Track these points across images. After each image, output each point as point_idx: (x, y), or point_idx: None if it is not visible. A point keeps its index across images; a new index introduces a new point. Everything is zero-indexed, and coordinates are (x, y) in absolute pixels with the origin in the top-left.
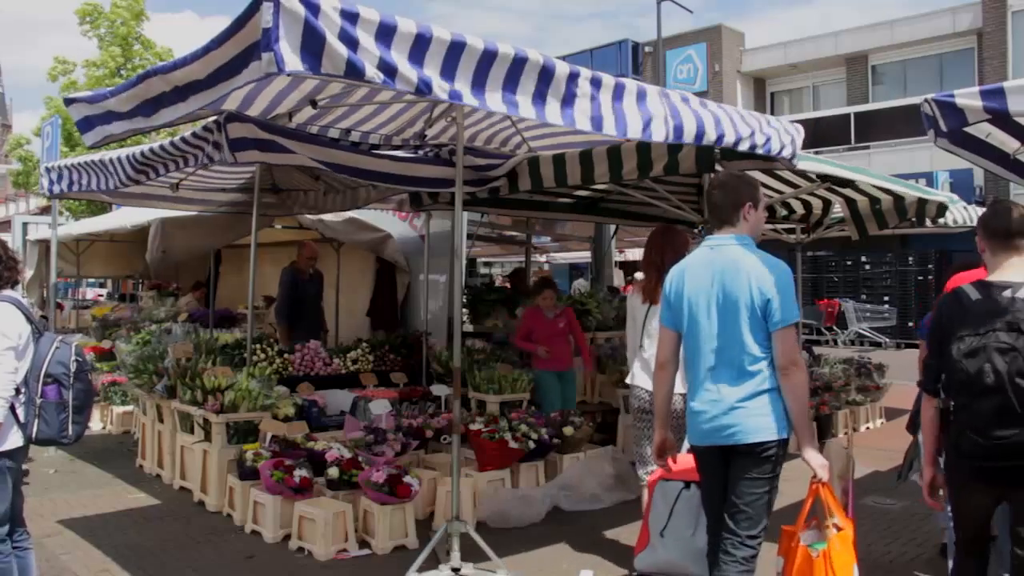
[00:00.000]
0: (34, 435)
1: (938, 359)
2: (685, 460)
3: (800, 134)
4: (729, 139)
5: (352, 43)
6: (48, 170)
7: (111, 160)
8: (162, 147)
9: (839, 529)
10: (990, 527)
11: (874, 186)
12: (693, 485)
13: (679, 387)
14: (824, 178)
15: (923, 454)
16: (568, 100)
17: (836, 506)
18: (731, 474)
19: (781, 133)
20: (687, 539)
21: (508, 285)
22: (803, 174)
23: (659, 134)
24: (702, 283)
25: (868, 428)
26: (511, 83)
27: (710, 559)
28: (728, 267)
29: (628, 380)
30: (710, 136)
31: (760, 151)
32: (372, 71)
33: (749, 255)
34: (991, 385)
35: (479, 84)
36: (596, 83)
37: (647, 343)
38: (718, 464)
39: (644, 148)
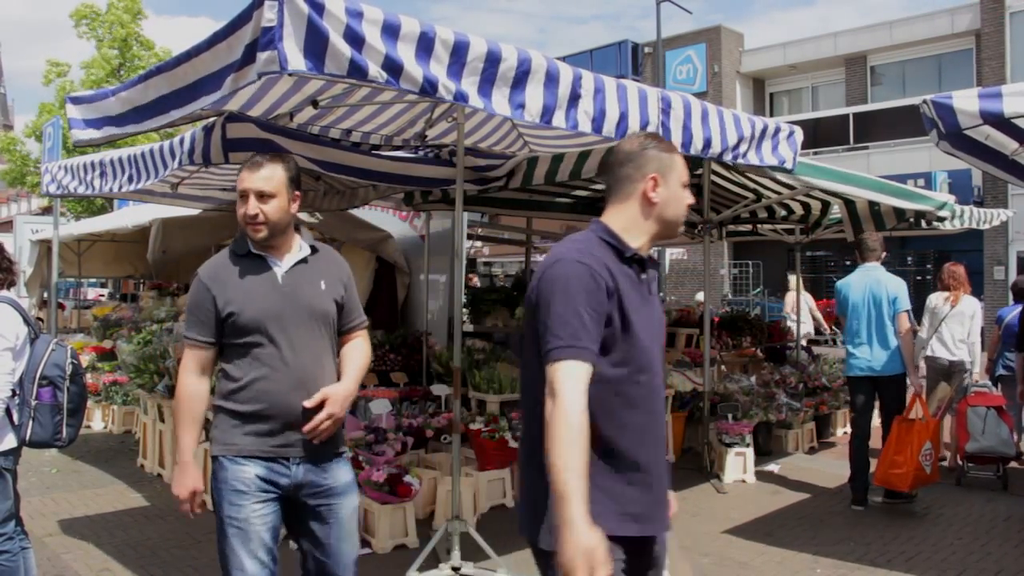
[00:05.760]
0: (28, 437)
1: None
2: (982, 399)
3: (799, 137)
4: (714, 151)
5: (357, 42)
6: (48, 170)
7: (109, 161)
8: (152, 154)
9: (925, 419)
10: None
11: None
12: (993, 408)
13: (943, 352)
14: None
15: None
16: (572, 103)
17: (925, 409)
18: (881, 391)
19: (779, 145)
20: (997, 433)
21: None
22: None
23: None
24: (860, 290)
25: None
26: (518, 86)
27: (861, 439)
28: (873, 281)
29: (928, 352)
30: (696, 147)
31: (752, 162)
32: (376, 70)
33: (884, 274)
34: None
35: (486, 86)
36: (599, 87)
37: (944, 329)
38: (870, 388)
39: None
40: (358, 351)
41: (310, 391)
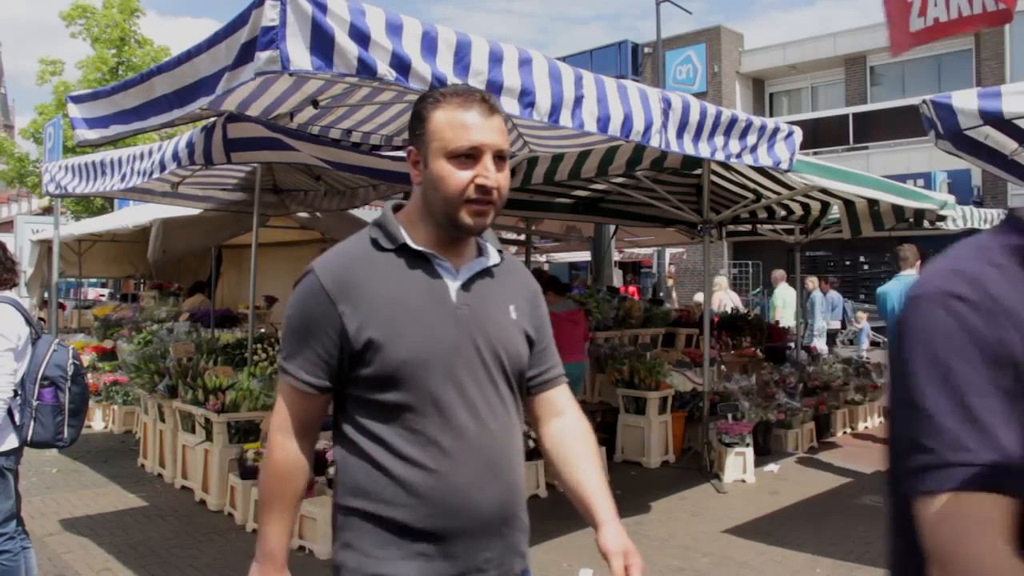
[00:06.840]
0: (29, 438)
1: None
2: None
3: (798, 137)
4: (713, 150)
5: (363, 39)
6: (47, 170)
7: (109, 161)
8: (151, 154)
9: None
10: None
11: (867, 196)
12: None
13: None
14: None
15: None
16: (577, 103)
17: None
18: None
19: (777, 145)
20: None
21: None
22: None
23: (656, 141)
24: (897, 298)
25: (867, 427)
26: (524, 85)
27: None
28: (906, 288)
29: None
30: (694, 147)
31: (749, 161)
32: (384, 68)
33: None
34: None
35: (494, 84)
36: (600, 86)
37: None
38: None
39: (638, 145)
40: (584, 443)
41: (504, 481)
